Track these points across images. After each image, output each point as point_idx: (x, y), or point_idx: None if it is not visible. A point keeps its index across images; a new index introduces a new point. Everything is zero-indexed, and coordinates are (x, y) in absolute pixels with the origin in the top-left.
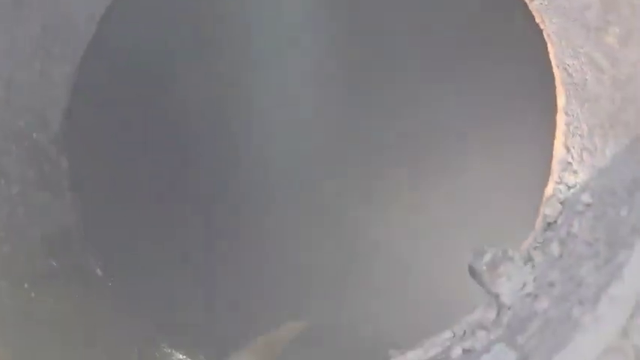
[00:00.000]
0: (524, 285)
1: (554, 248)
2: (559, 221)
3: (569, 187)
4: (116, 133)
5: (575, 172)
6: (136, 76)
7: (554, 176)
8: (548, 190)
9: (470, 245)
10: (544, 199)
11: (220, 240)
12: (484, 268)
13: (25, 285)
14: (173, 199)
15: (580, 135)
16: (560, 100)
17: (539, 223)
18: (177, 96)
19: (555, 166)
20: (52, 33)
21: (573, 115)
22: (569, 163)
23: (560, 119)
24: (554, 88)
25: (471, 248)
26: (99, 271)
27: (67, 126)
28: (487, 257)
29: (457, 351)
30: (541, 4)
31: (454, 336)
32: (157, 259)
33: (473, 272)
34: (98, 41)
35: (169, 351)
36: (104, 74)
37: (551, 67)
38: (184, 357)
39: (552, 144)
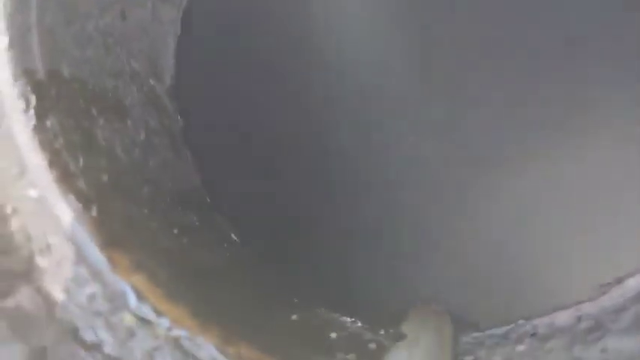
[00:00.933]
0: None
1: None
2: None
3: None
4: (227, 88)
5: None
6: (243, 25)
7: None
8: None
9: None
10: None
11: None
12: None
13: (175, 231)
14: (298, 160)
15: None
16: None
17: None
18: (287, 45)
19: None
20: None
21: None
22: None
23: None
24: None
25: None
26: (233, 236)
27: (179, 78)
28: None
29: None
30: None
31: None
32: (293, 225)
33: None
34: None
35: (332, 315)
36: (210, 23)
37: None
38: (350, 319)
39: None
